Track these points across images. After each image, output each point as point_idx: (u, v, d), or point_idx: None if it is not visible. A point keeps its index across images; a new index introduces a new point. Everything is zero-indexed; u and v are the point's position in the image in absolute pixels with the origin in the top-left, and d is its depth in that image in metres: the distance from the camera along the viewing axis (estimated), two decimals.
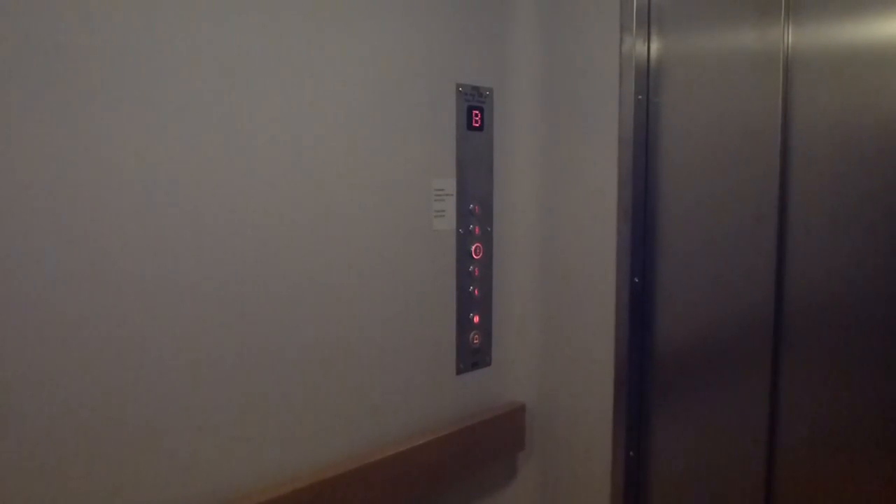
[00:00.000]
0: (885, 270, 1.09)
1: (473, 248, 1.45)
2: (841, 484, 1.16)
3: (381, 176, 1.28)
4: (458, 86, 1.40)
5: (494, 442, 1.49)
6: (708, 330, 1.32)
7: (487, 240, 1.48)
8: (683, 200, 1.35)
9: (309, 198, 1.16)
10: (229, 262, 1.07)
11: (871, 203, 1.10)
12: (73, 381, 0.92)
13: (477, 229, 1.46)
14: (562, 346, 1.52)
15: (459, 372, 1.45)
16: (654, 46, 1.38)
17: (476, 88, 1.44)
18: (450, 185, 1.40)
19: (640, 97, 1.38)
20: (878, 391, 1.11)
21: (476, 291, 1.47)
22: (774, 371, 1.23)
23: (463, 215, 1.43)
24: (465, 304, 1.46)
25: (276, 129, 1.11)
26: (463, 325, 1.45)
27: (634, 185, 1.38)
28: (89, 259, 0.92)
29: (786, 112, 1.20)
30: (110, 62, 0.93)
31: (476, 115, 1.44)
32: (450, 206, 1.40)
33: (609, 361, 1.41)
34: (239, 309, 1.08)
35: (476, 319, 1.48)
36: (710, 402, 1.33)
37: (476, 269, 1.47)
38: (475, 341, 1.48)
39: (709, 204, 1.31)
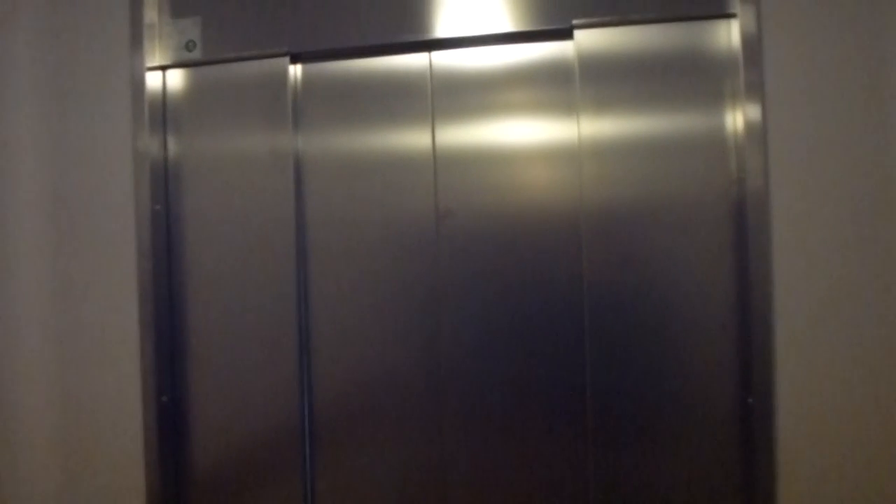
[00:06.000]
0: (393, 343, 1.28)
1: None
2: None
3: None
4: None
5: None
6: (243, 439, 1.33)
7: None
8: (211, 306, 1.34)
9: None
10: None
11: (375, 279, 1.29)
12: None
13: None
14: (89, 481, 1.34)
15: None
16: (172, 150, 1.34)
17: None
18: None
19: (157, 207, 1.32)
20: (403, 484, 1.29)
21: None
22: (309, 476, 1.31)
23: None
24: None
25: None
26: None
27: (156, 298, 1.31)
28: None
29: (299, 207, 1.30)
30: None
31: None
32: None
33: (141, 490, 1.30)
34: None
35: None
36: None
37: None
38: None
39: (236, 307, 1.33)
